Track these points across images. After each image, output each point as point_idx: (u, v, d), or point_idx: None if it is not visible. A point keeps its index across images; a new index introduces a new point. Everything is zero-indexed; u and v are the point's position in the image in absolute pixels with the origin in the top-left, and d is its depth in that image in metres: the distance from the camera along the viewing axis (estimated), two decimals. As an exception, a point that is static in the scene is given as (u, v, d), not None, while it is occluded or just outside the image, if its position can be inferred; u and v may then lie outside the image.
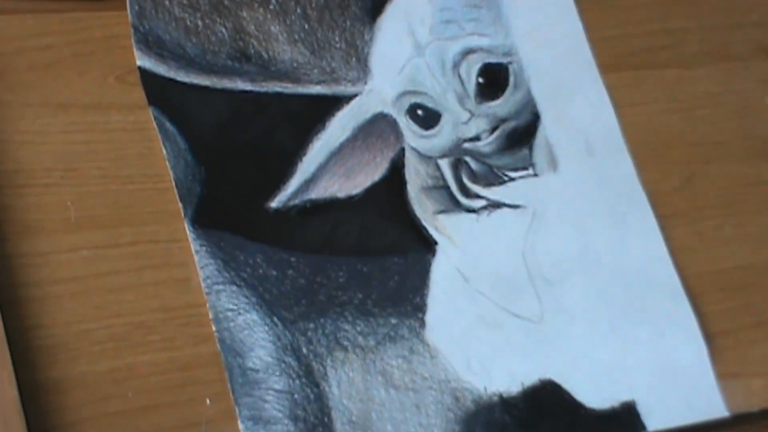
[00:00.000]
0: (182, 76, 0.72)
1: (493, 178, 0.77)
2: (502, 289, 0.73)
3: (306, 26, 0.76)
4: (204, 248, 0.68)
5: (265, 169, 0.72)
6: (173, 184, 0.69)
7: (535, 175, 0.78)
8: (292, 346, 0.68)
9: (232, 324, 0.67)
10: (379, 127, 0.76)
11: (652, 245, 0.79)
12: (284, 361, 0.67)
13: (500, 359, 0.71)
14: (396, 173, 0.75)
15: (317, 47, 0.76)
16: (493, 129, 0.78)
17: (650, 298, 0.77)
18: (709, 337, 0.77)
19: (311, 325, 0.69)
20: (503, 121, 0.78)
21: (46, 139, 0.68)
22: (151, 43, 0.72)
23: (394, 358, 0.69)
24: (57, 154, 0.68)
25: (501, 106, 0.79)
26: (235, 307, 0.67)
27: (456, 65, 0.79)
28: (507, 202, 0.76)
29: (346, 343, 0.69)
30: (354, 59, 0.77)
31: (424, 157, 0.76)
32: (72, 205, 0.67)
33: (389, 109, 0.76)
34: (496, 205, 0.76)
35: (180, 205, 0.69)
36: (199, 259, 0.68)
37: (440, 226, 0.74)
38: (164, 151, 0.70)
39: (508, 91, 0.79)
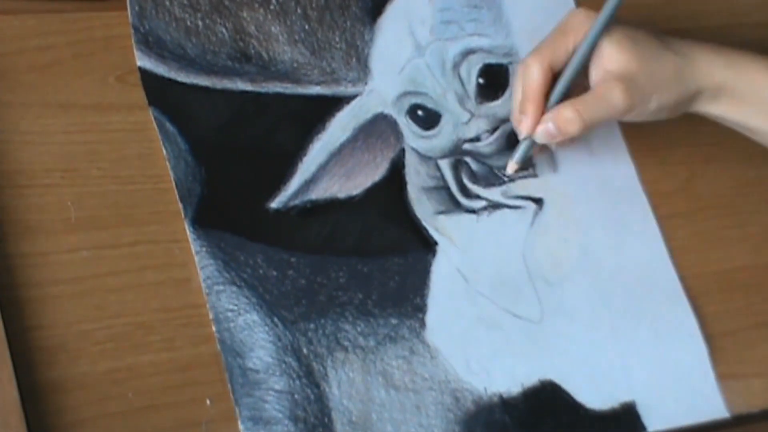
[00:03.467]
0: (182, 77, 0.72)
1: (493, 178, 0.77)
2: (502, 290, 0.73)
3: (306, 27, 0.76)
4: (204, 249, 0.68)
5: (266, 170, 0.72)
6: (173, 184, 0.69)
7: (535, 175, 0.78)
8: (292, 347, 0.68)
9: (232, 324, 0.67)
10: (379, 127, 0.76)
11: (652, 246, 0.79)
12: (284, 362, 0.67)
13: (500, 360, 0.71)
14: (396, 174, 0.75)
15: (317, 48, 0.76)
16: (494, 129, 0.78)
17: (650, 299, 0.77)
18: (709, 337, 0.77)
19: (311, 326, 0.69)
20: (503, 121, 0.78)
21: (46, 139, 0.68)
22: (151, 44, 0.72)
23: (395, 359, 0.69)
24: (57, 155, 0.68)
25: (501, 106, 0.79)
26: (235, 308, 0.67)
27: (456, 66, 0.79)
28: (507, 202, 0.76)
29: (346, 343, 0.69)
30: (354, 60, 0.77)
31: (425, 158, 0.76)
32: (72, 205, 0.67)
33: (389, 110, 0.76)
34: (496, 205, 0.76)
35: (180, 205, 0.69)
36: (200, 260, 0.68)
37: (440, 226, 0.74)
38: (164, 152, 0.70)
39: (508, 92, 0.79)
